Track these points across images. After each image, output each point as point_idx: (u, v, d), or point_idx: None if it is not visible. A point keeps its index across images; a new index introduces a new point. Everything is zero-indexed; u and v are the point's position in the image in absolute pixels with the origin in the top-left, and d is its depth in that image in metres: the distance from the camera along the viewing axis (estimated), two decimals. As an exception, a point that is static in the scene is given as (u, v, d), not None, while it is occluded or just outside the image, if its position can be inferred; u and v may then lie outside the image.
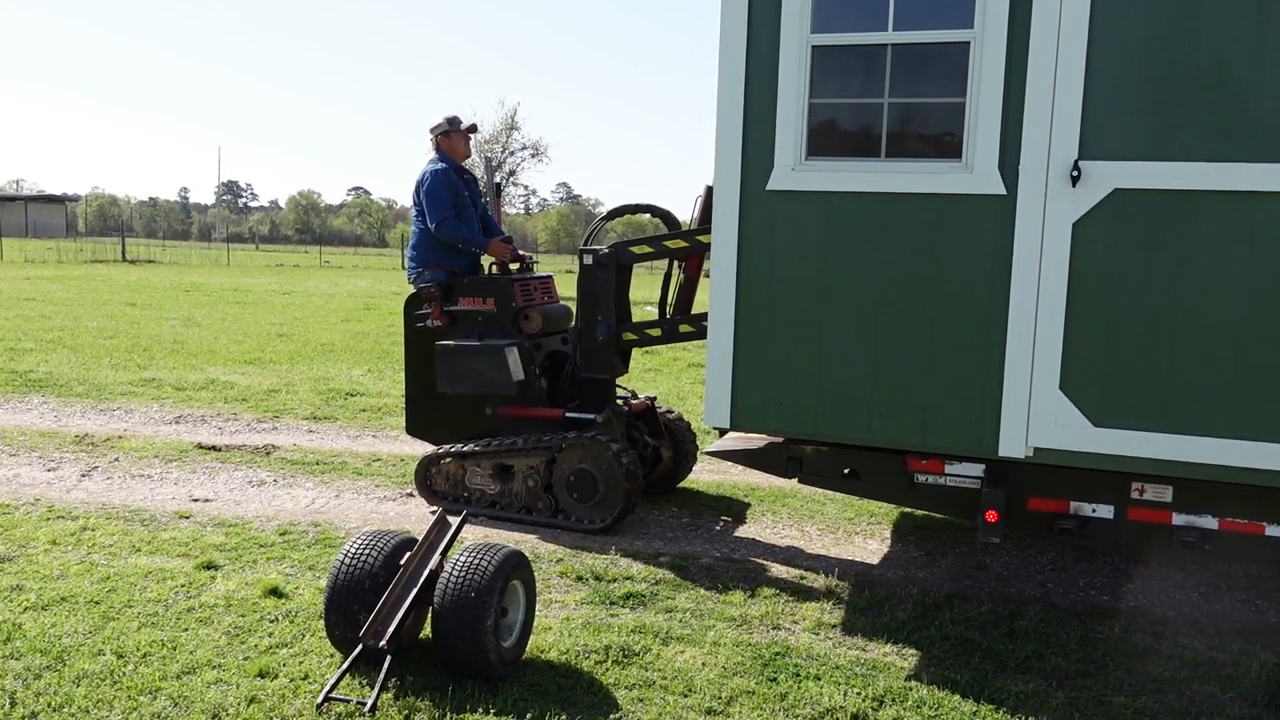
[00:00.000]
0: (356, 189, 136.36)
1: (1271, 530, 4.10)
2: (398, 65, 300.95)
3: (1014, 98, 4.02)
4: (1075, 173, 3.94)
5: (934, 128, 4.20)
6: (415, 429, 6.59)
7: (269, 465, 7.09)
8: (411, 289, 6.41)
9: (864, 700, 3.78)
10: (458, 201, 6.31)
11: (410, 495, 6.45)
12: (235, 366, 11.29)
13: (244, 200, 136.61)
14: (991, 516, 4.30)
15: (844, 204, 4.30)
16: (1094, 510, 4.33)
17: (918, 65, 4.19)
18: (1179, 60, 3.81)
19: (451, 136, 6.43)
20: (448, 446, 6.14)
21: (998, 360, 4.14)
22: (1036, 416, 4.12)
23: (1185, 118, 3.82)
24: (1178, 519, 4.22)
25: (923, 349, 4.25)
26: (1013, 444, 4.17)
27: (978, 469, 4.45)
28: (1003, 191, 4.08)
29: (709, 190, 5.64)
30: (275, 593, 4.61)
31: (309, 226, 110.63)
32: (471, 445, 6.03)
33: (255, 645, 4.07)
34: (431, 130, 6.47)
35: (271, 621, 4.31)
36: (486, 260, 6.52)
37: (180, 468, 6.95)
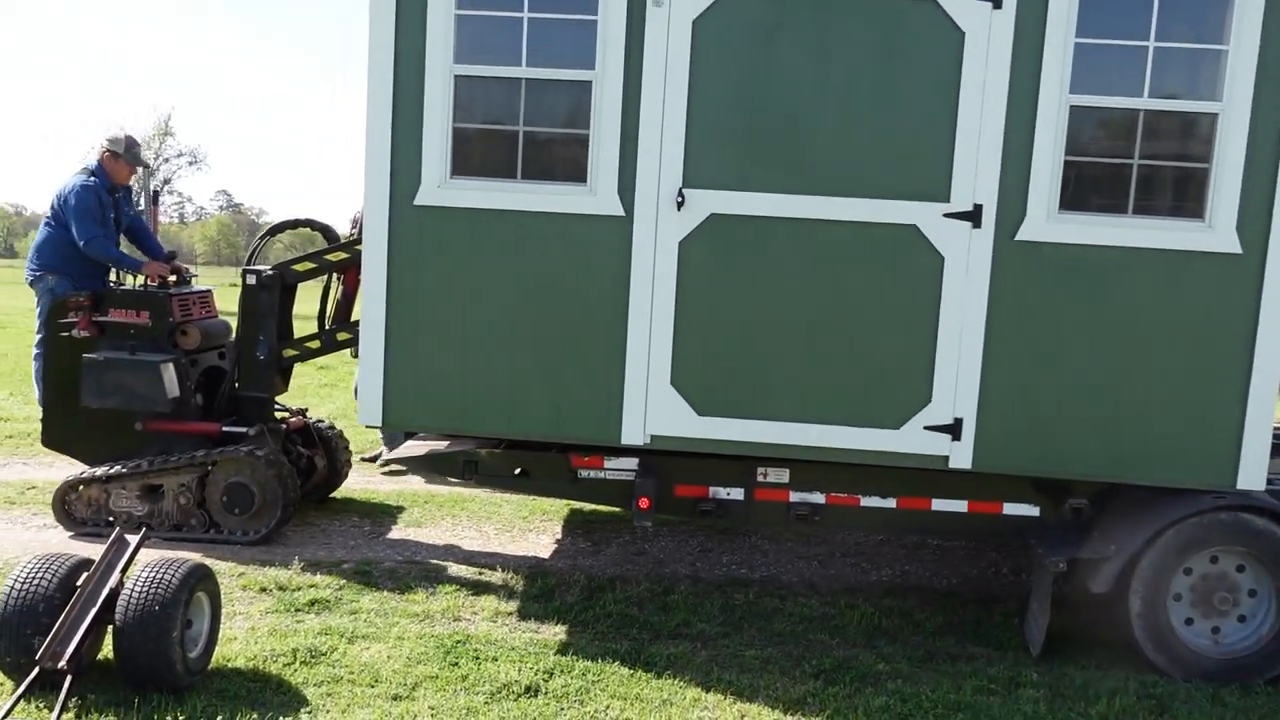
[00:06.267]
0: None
1: (866, 501, 5.00)
2: (55, 48, 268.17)
3: (630, 132, 4.62)
4: (680, 199, 4.60)
5: (563, 155, 4.72)
6: (52, 442, 6.26)
7: (-112, 502, 6.40)
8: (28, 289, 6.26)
9: (536, 674, 4.23)
10: (103, 220, 6.27)
11: (75, 523, 6.08)
12: None
13: None
14: (644, 503, 4.90)
15: (485, 220, 4.72)
16: (729, 493, 5.05)
17: (549, 98, 4.70)
18: (758, 109, 4.58)
19: (119, 160, 6.38)
20: (86, 471, 5.90)
21: (620, 360, 4.72)
22: (653, 408, 4.74)
23: (762, 157, 4.59)
24: (794, 496, 5.01)
25: (555, 351, 4.75)
26: (633, 432, 4.76)
27: (632, 462, 5.05)
28: (622, 213, 4.67)
29: None
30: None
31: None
32: (115, 467, 5.84)
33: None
34: (106, 140, 6.42)
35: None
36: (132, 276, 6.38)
37: None
